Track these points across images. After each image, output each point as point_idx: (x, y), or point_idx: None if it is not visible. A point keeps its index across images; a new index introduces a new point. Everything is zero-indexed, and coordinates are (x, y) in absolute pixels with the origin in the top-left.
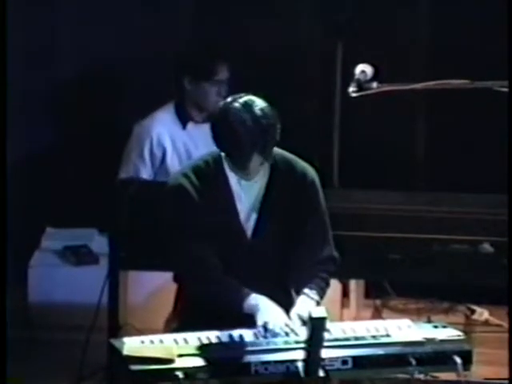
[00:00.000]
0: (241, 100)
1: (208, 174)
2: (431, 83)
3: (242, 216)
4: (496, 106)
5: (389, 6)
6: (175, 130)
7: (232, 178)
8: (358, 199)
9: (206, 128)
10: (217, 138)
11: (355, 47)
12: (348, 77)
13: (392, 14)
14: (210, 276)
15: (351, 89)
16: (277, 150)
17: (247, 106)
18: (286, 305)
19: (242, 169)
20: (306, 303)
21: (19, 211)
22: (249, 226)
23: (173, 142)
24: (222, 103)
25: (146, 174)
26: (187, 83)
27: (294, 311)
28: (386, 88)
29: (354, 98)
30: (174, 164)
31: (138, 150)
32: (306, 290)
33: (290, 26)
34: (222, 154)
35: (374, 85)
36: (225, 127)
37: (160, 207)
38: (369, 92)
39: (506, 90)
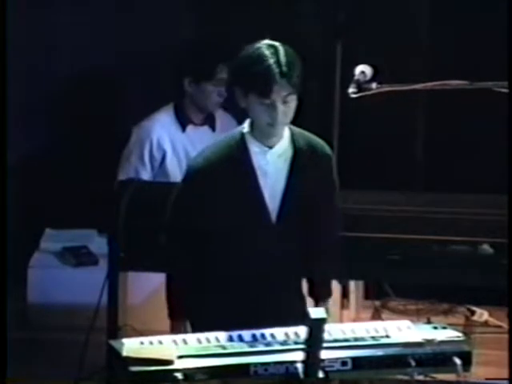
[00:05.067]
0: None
1: (230, 154)
2: (430, 84)
3: (267, 194)
4: (496, 106)
5: (388, 5)
6: (175, 133)
7: (255, 154)
8: (357, 200)
9: (205, 130)
10: (241, 70)
11: (355, 48)
12: (347, 77)
13: (392, 14)
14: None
15: (351, 89)
16: (294, 128)
17: (267, 42)
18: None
19: (268, 96)
20: None
21: (18, 212)
22: (274, 207)
23: (173, 145)
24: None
25: (145, 176)
26: (187, 85)
27: None
28: (386, 89)
29: (354, 98)
30: (173, 167)
31: (137, 153)
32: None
33: (289, 26)
34: (245, 130)
35: (374, 85)
36: (250, 56)
37: (179, 192)
38: (368, 93)
39: (505, 90)
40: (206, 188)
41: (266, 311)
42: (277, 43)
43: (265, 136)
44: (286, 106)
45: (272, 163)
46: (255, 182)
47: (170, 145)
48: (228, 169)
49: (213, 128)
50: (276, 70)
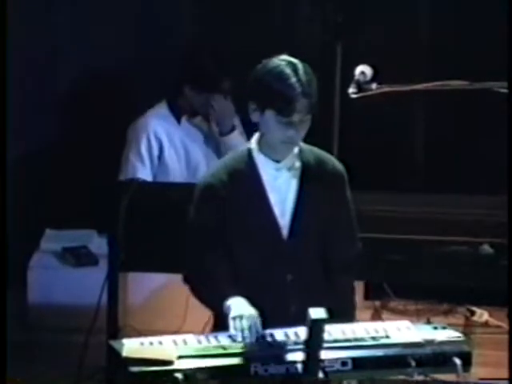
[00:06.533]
0: (280, 57)
1: (238, 170)
2: (430, 84)
3: (277, 210)
4: (496, 106)
5: (388, 6)
6: (170, 126)
7: (264, 169)
8: (357, 201)
9: (200, 121)
10: (260, 86)
11: (355, 48)
12: (347, 78)
13: (392, 14)
14: (201, 278)
15: (351, 90)
16: (304, 144)
17: (286, 59)
18: (334, 307)
19: (288, 115)
20: None
21: (18, 213)
22: (285, 223)
23: (169, 137)
24: (259, 65)
25: (144, 172)
26: (188, 89)
27: None
28: (386, 89)
29: (354, 98)
30: (172, 160)
31: (135, 150)
32: None
33: (289, 27)
34: (252, 145)
35: (374, 86)
36: (269, 73)
37: (191, 208)
38: (368, 93)
39: (505, 91)
40: (216, 205)
41: (289, 320)
42: (295, 60)
43: (276, 153)
44: (303, 124)
45: (280, 178)
46: (265, 197)
47: (167, 137)
48: (237, 184)
49: (207, 119)
50: (298, 90)
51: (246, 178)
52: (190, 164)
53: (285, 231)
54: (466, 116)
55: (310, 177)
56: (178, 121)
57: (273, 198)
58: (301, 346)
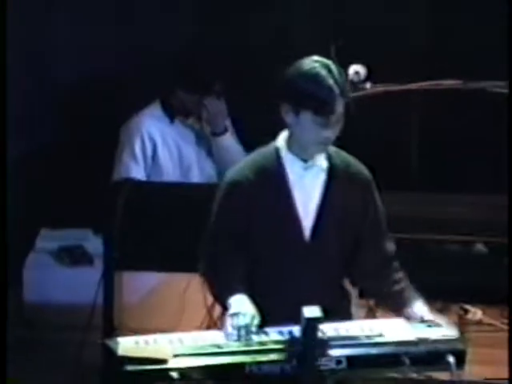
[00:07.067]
0: (311, 58)
1: (265, 168)
2: (425, 84)
3: (301, 210)
4: (494, 105)
5: (384, 6)
6: (164, 125)
7: (291, 168)
8: None
9: (193, 122)
10: (296, 87)
11: (348, 48)
12: None
13: (387, 14)
14: (216, 275)
15: None
16: (330, 146)
17: (319, 60)
18: (344, 311)
19: (326, 116)
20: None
21: (14, 212)
22: (307, 224)
23: (162, 137)
24: (293, 66)
25: (138, 172)
26: (182, 92)
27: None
28: (380, 89)
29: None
30: (165, 160)
31: (129, 149)
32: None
33: (284, 28)
34: (279, 144)
35: (368, 85)
36: (305, 75)
37: (214, 205)
38: (362, 93)
39: (499, 90)
40: (241, 202)
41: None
42: (328, 61)
43: (306, 152)
44: (338, 124)
45: (307, 177)
46: (290, 196)
47: (160, 136)
48: (263, 182)
49: (200, 120)
50: (337, 91)
51: (272, 176)
52: (183, 164)
53: (307, 232)
54: (464, 115)
55: (336, 178)
56: (171, 121)
57: (297, 198)
58: (296, 345)
